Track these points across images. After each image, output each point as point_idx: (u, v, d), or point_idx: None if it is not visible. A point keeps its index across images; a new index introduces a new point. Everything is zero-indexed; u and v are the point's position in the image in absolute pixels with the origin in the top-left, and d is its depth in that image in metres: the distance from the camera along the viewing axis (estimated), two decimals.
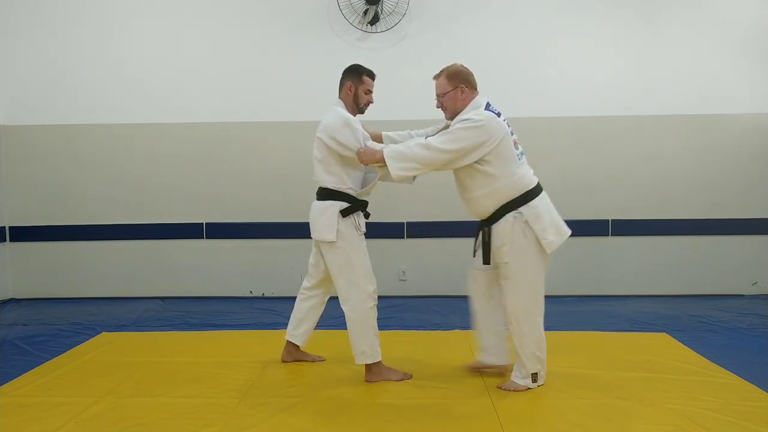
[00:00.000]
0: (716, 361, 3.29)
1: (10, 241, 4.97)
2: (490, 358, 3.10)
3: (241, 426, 2.56)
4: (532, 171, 2.90)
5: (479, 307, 3.10)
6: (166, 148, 4.92)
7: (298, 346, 3.36)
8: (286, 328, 3.37)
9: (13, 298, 4.99)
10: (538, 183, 2.88)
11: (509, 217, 2.80)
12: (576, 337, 3.81)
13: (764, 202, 4.88)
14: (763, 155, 4.85)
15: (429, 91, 3.03)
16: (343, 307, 3.05)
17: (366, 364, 3.05)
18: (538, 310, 2.89)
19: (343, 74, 3.11)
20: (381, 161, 2.81)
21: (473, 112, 2.83)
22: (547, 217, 2.82)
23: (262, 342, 3.68)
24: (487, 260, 2.91)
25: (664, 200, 4.89)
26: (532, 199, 2.81)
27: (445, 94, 2.91)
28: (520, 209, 2.79)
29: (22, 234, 4.97)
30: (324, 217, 3.00)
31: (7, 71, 4.89)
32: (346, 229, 2.99)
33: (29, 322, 4.30)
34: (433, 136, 2.94)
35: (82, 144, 4.92)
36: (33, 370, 3.25)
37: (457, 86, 2.88)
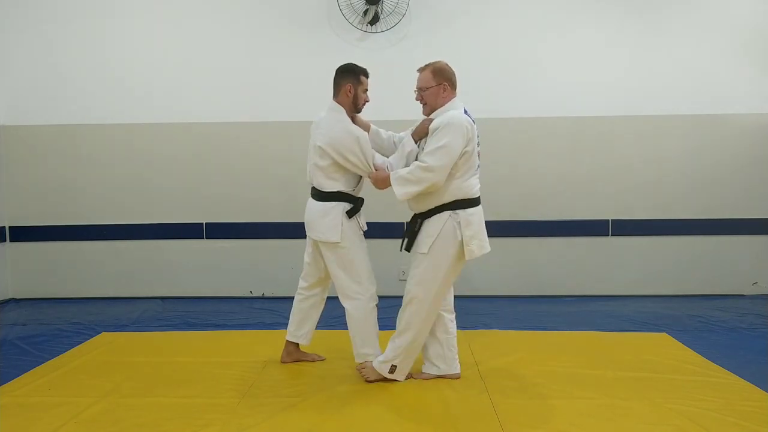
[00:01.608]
0: (716, 361, 3.29)
1: (10, 241, 4.97)
2: (433, 368, 3.09)
3: (241, 426, 2.56)
4: (479, 186, 2.94)
5: None
6: (166, 148, 4.92)
7: (297, 346, 3.36)
8: (286, 328, 3.36)
9: (13, 298, 4.99)
10: (479, 197, 2.94)
11: (445, 214, 2.85)
12: (576, 337, 3.81)
13: (764, 202, 4.88)
14: (763, 155, 4.85)
15: None
16: (345, 306, 3.06)
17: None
18: (433, 310, 2.91)
19: (337, 76, 3.06)
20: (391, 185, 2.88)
21: (453, 113, 2.84)
22: (476, 228, 2.86)
23: (262, 342, 3.68)
24: (408, 248, 2.98)
25: (664, 200, 4.89)
26: (470, 207, 2.87)
27: (428, 88, 2.93)
28: (458, 211, 2.84)
29: (22, 234, 4.97)
30: (328, 218, 3.00)
31: (7, 71, 4.89)
32: (350, 230, 3.01)
33: (29, 322, 4.30)
34: (412, 142, 2.96)
35: (82, 144, 4.92)
36: (33, 370, 3.25)
37: (440, 83, 2.90)
